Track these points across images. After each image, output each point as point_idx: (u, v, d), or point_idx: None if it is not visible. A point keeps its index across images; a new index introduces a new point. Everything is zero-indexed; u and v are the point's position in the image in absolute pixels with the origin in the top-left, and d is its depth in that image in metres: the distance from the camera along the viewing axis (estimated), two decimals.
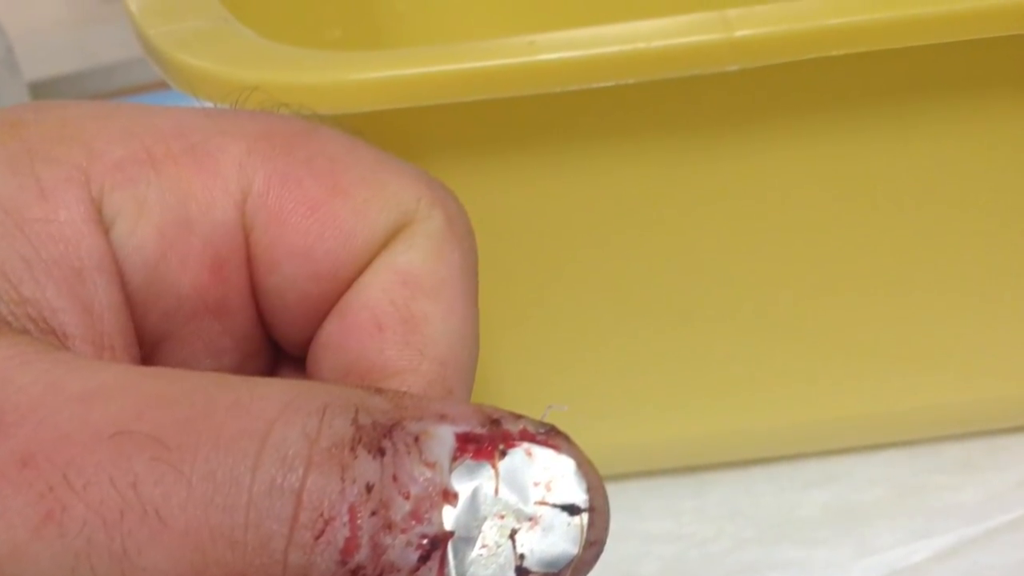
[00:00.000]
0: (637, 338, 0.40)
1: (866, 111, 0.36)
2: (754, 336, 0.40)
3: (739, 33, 0.32)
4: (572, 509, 0.19)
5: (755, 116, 0.36)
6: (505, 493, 0.19)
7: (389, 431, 0.19)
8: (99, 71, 0.74)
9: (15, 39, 0.58)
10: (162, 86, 0.35)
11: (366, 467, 0.19)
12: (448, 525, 0.19)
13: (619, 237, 0.38)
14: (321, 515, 0.18)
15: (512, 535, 0.19)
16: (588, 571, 0.20)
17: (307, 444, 0.18)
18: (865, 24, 0.32)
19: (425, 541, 0.19)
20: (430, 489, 0.19)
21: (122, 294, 0.22)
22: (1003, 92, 0.36)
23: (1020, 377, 0.41)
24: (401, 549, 0.19)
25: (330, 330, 0.24)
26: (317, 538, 0.18)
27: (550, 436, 0.20)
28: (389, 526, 0.18)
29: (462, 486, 0.19)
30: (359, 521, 0.18)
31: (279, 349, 0.26)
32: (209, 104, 0.32)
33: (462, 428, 0.19)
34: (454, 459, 0.19)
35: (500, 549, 0.19)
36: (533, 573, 0.19)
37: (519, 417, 0.20)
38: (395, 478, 0.19)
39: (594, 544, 0.20)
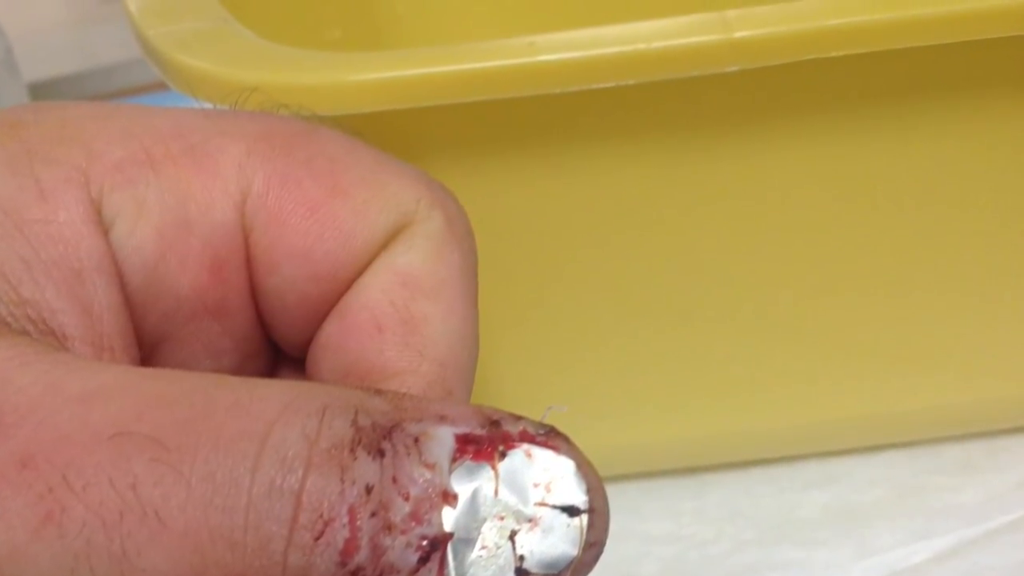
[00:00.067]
0: (637, 339, 0.40)
1: (866, 112, 0.36)
2: (754, 337, 0.40)
3: (739, 34, 0.32)
4: (572, 510, 0.19)
5: (755, 117, 0.36)
6: (505, 494, 0.19)
7: (389, 432, 0.19)
8: (98, 72, 0.74)
9: (14, 40, 0.58)
10: (161, 87, 0.35)
11: (366, 468, 0.19)
12: (448, 526, 0.19)
13: (619, 238, 0.38)
14: (321, 516, 0.18)
15: (512, 536, 0.19)
16: (588, 572, 0.20)
17: (307, 445, 0.18)
18: (864, 25, 0.32)
19: (425, 542, 0.19)
20: (430, 490, 0.19)
21: (121, 295, 0.22)
22: (1003, 93, 0.36)
23: (1020, 378, 0.41)
24: (401, 550, 0.19)
25: (330, 331, 0.24)
26: (317, 539, 0.18)
27: (550, 437, 0.20)
28: (389, 527, 0.18)
29: (462, 487, 0.19)
30: (359, 522, 0.18)
31: (279, 350, 0.26)
32: (208, 105, 0.32)
33: (462, 429, 0.19)
34: (454, 460, 0.19)
35: (500, 550, 0.19)
36: (533, 574, 0.19)
37: (519, 418, 0.20)
38: (395, 479, 0.19)
39: (594, 545, 0.20)
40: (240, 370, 0.25)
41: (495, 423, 0.20)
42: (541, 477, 0.19)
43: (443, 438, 0.19)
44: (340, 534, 0.18)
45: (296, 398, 0.19)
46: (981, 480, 0.42)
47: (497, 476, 0.19)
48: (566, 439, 0.20)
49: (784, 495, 0.42)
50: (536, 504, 0.19)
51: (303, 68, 0.33)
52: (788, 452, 0.43)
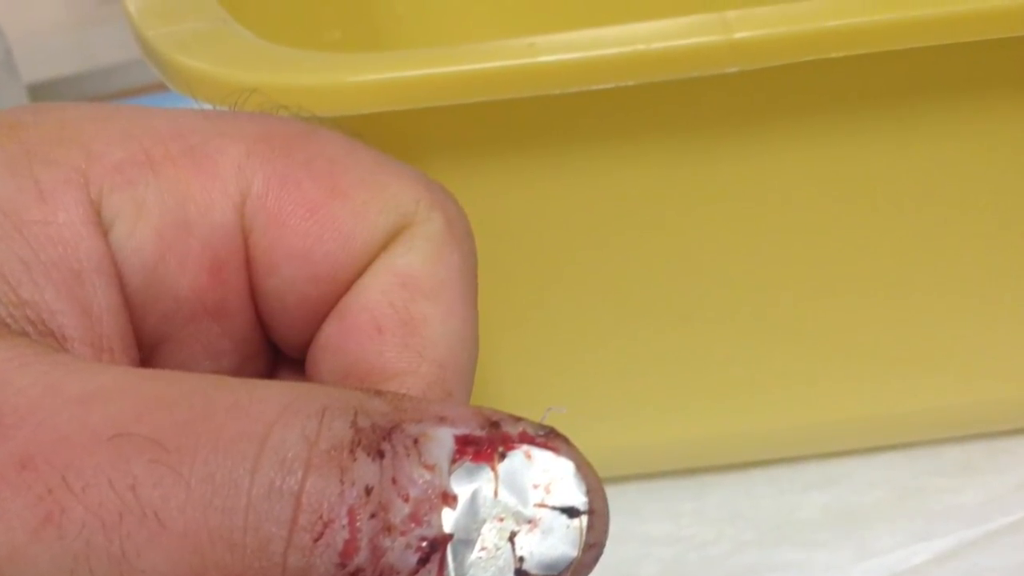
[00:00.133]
0: (637, 340, 0.40)
1: (866, 113, 0.36)
2: (754, 338, 0.40)
3: (739, 35, 0.32)
4: (571, 511, 0.19)
5: (754, 118, 0.36)
6: (504, 495, 0.19)
7: (388, 433, 0.19)
8: (98, 73, 0.74)
9: (14, 41, 0.58)
10: (161, 88, 0.35)
11: (365, 469, 0.18)
12: (447, 527, 0.19)
13: (619, 239, 0.38)
14: (320, 517, 0.18)
15: (511, 537, 0.19)
16: (587, 573, 0.20)
17: (306, 446, 0.18)
18: (864, 26, 0.32)
19: (424, 543, 0.19)
20: (429, 491, 0.19)
21: (121, 296, 0.22)
22: (1003, 94, 0.36)
23: (1020, 379, 0.41)
24: (400, 551, 0.18)
25: (329, 332, 0.24)
26: (316, 540, 0.18)
27: (549, 438, 0.20)
28: (388, 528, 0.18)
29: (461, 488, 0.19)
30: (358, 523, 0.18)
31: (278, 351, 0.26)
32: (208, 106, 0.32)
33: (461, 430, 0.19)
34: (453, 461, 0.19)
35: (499, 551, 0.19)
36: (532, 575, 0.19)
37: (518, 419, 0.20)
38: (394, 480, 0.19)
39: (593, 546, 0.20)
40: (239, 371, 0.25)
41: (495, 424, 0.20)
42: (541, 478, 0.19)
43: (443, 439, 0.19)
44: (340, 535, 0.18)
45: (295, 399, 0.19)
46: (981, 481, 0.42)
47: (497, 477, 0.19)
48: (566, 440, 0.20)
49: (784, 496, 0.42)
50: (536, 505, 0.19)
51: (302, 69, 0.33)
52: (788, 453, 0.43)
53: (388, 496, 0.19)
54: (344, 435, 0.19)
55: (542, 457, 0.19)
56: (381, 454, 0.19)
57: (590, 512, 0.19)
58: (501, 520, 0.19)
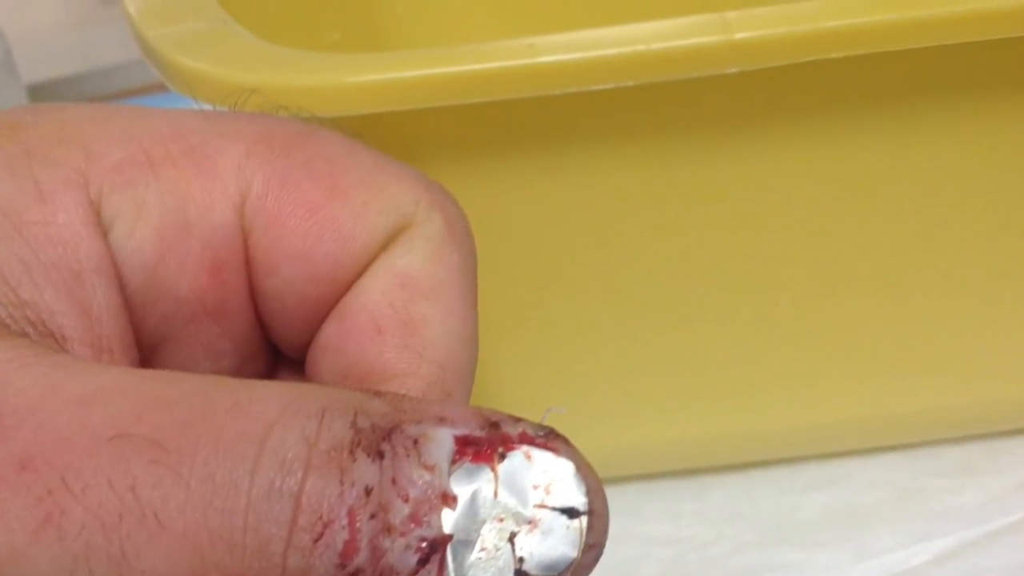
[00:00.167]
0: (636, 340, 0.40)
1: (866, 113, 0.36)
2: (754, 338, 0.40)
3: (739, 35, 0.32)
4: (571, 512, 0.19)
5: (755, 118, 0.36)
6: (504, 496, 0.19)
7: (388, 434, 0.19)
8: (98, 73, 0.74)
9: (14, 41, 0.58)
10: (161, 88, 0.35)
11: (365, 470, 0.18)
12: (447, 528, 0.19)
13: (618, 239, 0.38)
14: (320, 518, 0.18)
15: (511, 538, 0.19)
16: (587, 574, 0.20)
17: (306, 447, 0.18)
18: (864, 26, 0.32)
19: (424, 544, 0.19)
20: (429, 492, 0.19)
21: (121, 296, 0.22)
22: (1003, 94, 0.36)
23: (1020, 379, 0.41)
24: (400, 552, 0.18)
25: (329, 333, 0.24)
26: (316, 541, 0.18)
27: (549, 439, 0.20)
28: (388, 529, 0.18)
29: (461, 489, 0.19)
30: (358, 524, 0.18)
31: (278, 352, 0.26)
32: (208, 106, 0.32)
33: (461, 431, 0.19)
34: (453, 462, 0.19)
35: (499, 552, 0.19)
36: None
37: (518, 420, 0.20)
38: (394, 481, 0.19)
39: (593, 547, 0.20)
40: (239, 372, 0.25)
41: (494, 425, 0.20)
42: (540, 479, 0.19)
43: (442, 440, 0.19)
44: (339, 536, 0.18)
45: (295, 400, 0.19)
46: (981, 482, 0.42)
47: (496, 478, 0.19)
48: (565, 441, 0.20)
49: (784, 497, 0.42)
50: (535, 506, 0.19)
51: (302, 69, 0.33)
52: (788, 454, 0.43)
53: (388, 497, 0.19)
54: (344, 436, 0.19)
55: (542, 458, 0.19)
56: (381, 455, 0.19)
57: (590, 513, 0.19)
58: (501, 521, 0.19)
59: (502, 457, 0.19)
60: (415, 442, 0.19)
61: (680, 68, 0.33)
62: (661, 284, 0.39)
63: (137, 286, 0.23)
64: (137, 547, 0.18)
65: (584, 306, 0.39)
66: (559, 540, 0.19)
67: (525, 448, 0.19)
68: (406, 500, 0.19)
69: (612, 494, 0.20)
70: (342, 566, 0.18)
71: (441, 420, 0.19)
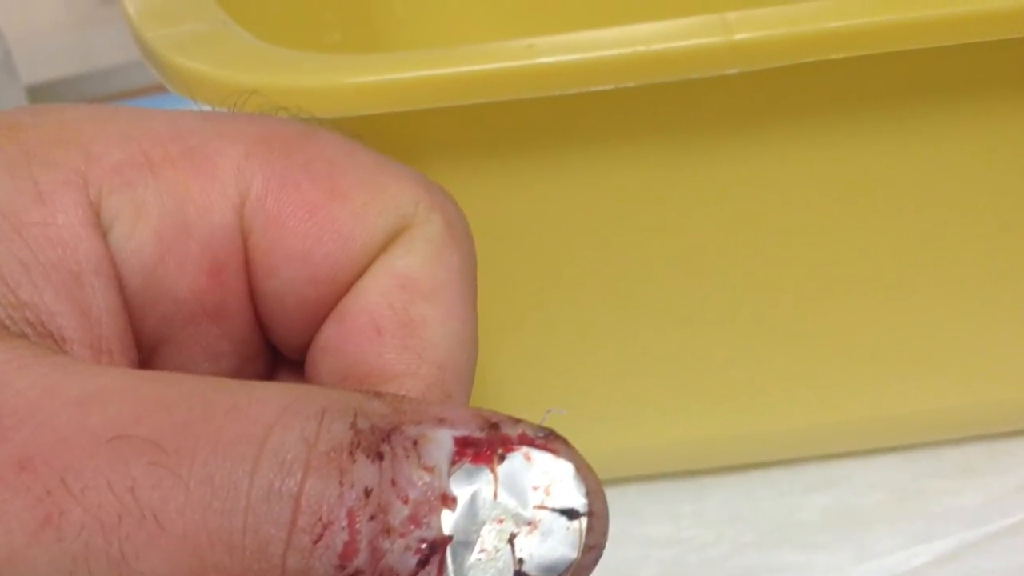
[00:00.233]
0: (636, 342, 0.40)
1: (866, 114, 0.36)
2: (753, 340, 0.40)
3: (738, 36, 0.32)
4: (571, 513, 0.19)
5: (754, 119, 0.36)
6: (504, 497, 0.19)
7: (388, 435, 0.19)
8: (97, 74, 0.74)
9: (13, 42, 0.58)
10: (160, 89, 0.35)
11: (364, 471, 0.18)
12: (447, 529, 0.19)
13: (618, 240, 0.38)
14: (319, 519, 0.18)
15: (511, 539, 0.19)
16: (587, 575, 0.20)
17: (305, 448, 0.18)
18: (864, 27, 0.32)
19: (424, 545, 0.19)
20: (429, 493, 0.19)
21: (120, 298, 0.22)
22: (1003, 95, 0.36)
23: (1020, 381, 0.41)
24: (400, 553, 0.18)
25: (328, 334, 0.24)
26: (315, 542, 0.18)
27: (549, 440, 0.20)
28: (388, 530, 0.18)
29: (461, 490, 0.19)
30: (358, 525, 0.18)
31: (277, 353, 0.26)
32: (207, 107, 0.32)
33: (461, 432, 0.19)
34: (453, 463, 0.19)
35: (499, 553, 0.19)
36: None
37: (518, 421, 0.20)
38: (394, 482, 0.19)
39: (593, 548, 0.20)
40: (239, 373, 0.25)
41: (494, 426, 0.20)
42: (540, 480, 0.19)
43: (442, 441, 0.19)
44: (339, 537, 0.18)
45: (295, 401, 0.19)
46: (981, 483, 0.42)
47: (496, 479, 0.19)
48: (565, 442, 0.20)
49: (784, 498, 0.42)
50: (535, 507, 0.19)
51: (302, 70, 0.33)
52: (788, 455, 0.43)
53: (387, 498, 0.19)
54: (343, 437, 0.19)
55: (541, 459, 0.19)
56: (380, 456, 0.19)
57: (590, 514, 0.19)
58: (500, 522, 0.19)
59: (502, 458, 0.19)
60: (415, 443, 0.19)
61: (680, 69, 0.33)
62: (661, 285, 0.39)
63: (136, 287, 0.23)
64: (136, 548, 0.18)
65: (584, 307, 0.39)
66: (559, 541, 0.19)
67: (525, 449, 0.19)
68: (406, 501, 0.19)
69: (612, 495, 0.20)
70: (341, 567, 0.18)
71: (441, 421, 0.19)
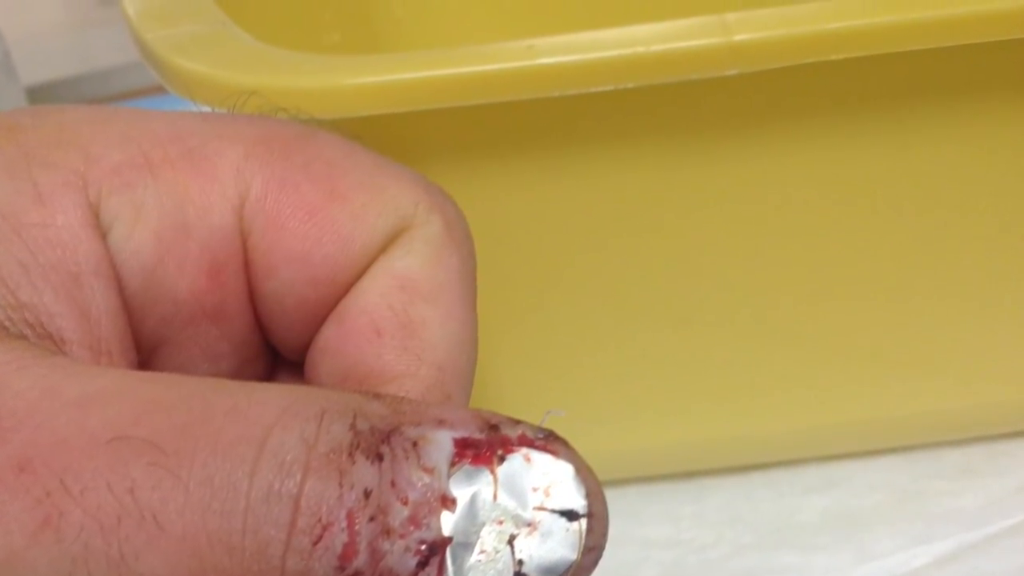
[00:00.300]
0: (636, 343, 0.40)
1: (866, 115, 0.36)
2: (753, 341, 0.40)
3: (738, 37, 0.32)
4: (571, 515, 0.19)
5: (754, 120, 0.36)
6: (504, 498, 0.19)
7: (387, 436, 0.19)
8: (96, 75, 0.74)
9: (12, 43, 0.58)
10: (159, 90, 0.35)
11: (364, 472, 0.18)
12: (446, 531, 0.19)
13: (618, 241, 0.38)
14: (319, 521, 0.18)
15: (511, 541, 0.19)
16: None
17: (305, 449, 0.18)
18: (864, 28, 0.32)
19: (423, 547, 0.19)
20: (428, 495, 0.19)
21: (119, 299, 0.22)
22: (1003, 96, 0.36)
23: (1020, 382, 0.41)
24: (399, 555, 0.18)
25: (328, 335, 0.24)
26: (315, 544, 0.18)
27: (549, 441, 0.20)
28: (387, 532, 0.18)
29: (460, 491, 0.19)
30: (357, 527, 0.18)
31: (277, 354, 0.26)
32: (206, 108, 0.32)
33: (460, 433, 0.19)
34: (452, 464, 0.19)
35: (499, 555, 0.19)
36: None
37: (518, 422, 0.20)
38: (393, 484, 0.19)
39: (593, 550, 0.20)
40: (238, 374, 0.25)
41: (494, 427, 0.20)
42: (540, 481, 0.19)
43: (442, 442, 0.19)
44: (338, 538, 0.18)
45: (294, 402, 0.19)
46: (981, 484, 0.42)
47: (496, 480, 0.19)
48: (565, 443, 0.20)
49: (784, 500, 0.42)
50: (535, 508, 0.19)
51: (301, 71, 0.33)
52: (788, 456, 0.43)
53: (387, 499, 0.18)
54: (343, 438, 0.19)
55: (541, 460, 0.19)
56: (380, 457, 0.19)
57: (589, 515, 0.19)
58: (500, 523, 0.19)
59: (501, 459, 0.19)
60: (414, 444, 0.19)
61: (680, 70, 0.33)
62: (660, 286, 0.39)
63: (136, 288, 0.23)
64: (136, 549, 0.18)
65: (584, 308, 0.39)
66: (558, 543, 0.19)
67: (524, 450, 0.19)
68: (405, 502, 0.19)
69: (611, 496, 0.20)
70: (341, 568, 0.18)
71: (440, 422, 0.19)
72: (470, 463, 0.19)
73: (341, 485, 0.18)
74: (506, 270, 0.37)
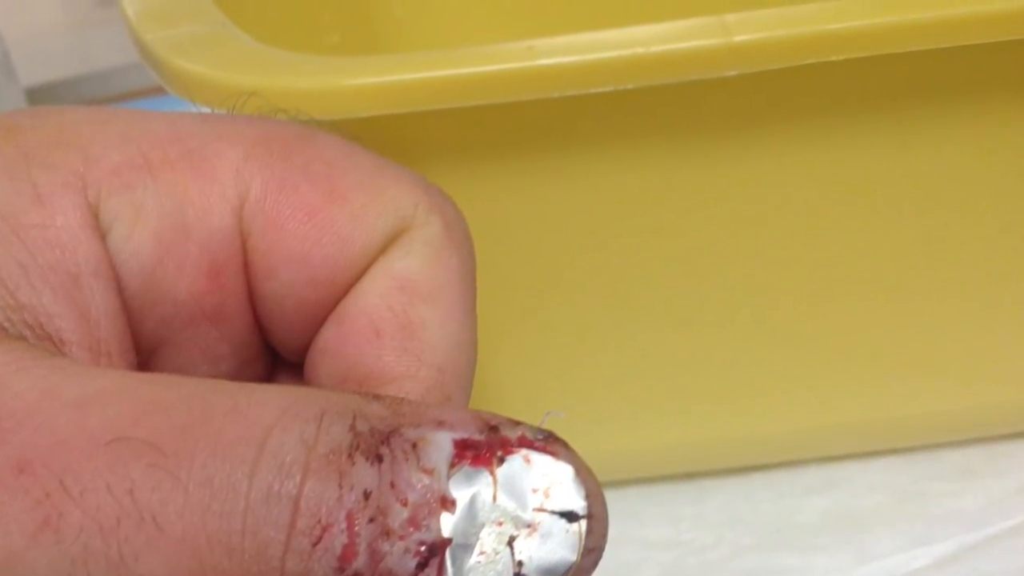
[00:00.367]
0: (636, 344, 0.40)
1: (865, 116, 0.36)
2: (753, 342, 0.40)
3: (738, 38, 0.32)
4: (570, 516, 0.19)
5: (754, 121, 0.36)
6: (503, 500, 0.19)
7: (387, 437, 0.19)
8: (96, 76, 0.74)
9: (12, 44, 0.58)
10: (159, 91, 0.35)
11: (364, 474, 0.18)
12: (446, 532, 0.19)
13: (618, 242, 0.38)
14: (319, 522, 0.18)
15: (510, 542, 0.19)
16: None
17: (304, 450, 0.18)
18: (864, 29, 0.32)
19: (423, 548, 0.19)
20: (428, 496, 0.19)
21: (119, 300, 0.22)
22: (1003, 96, 0.36)
23: (1020, 383, 0.41)
24: (399, 556, 0.18)
25: (328, 336, 0.24)
26: (315, 545, 0.18)
27: (548, 442, 0.20)
28: (387, 533, 0.18)
29: (460, 493, 0.19)
30: (357, 528, 0.18)
31: (276, 355, 0.26)
32: (206, 109, 0.32)
33: (460, 434, 0.19)
34: (452, 465, 0.19)
35: (498, 556, 0.19)
36: None
37: (517, 423, 0.20)
38: (393, 485, 0.19)
39: (592, 551, 0.20)
40: (238, 375, 0.25)
41: (493, 428, 0.20)
42: (540, 482, 0.19)
43: (441, 443, 0.19)
44: (338, 540, 0.18)
45: (294, 403, 0.19)
46: (981, 485, 0.42)
47: (495, 481, 0.19)
48: (565, 444, 0.20)
49: (783, 500, 0.42)
50: (535, 509, 0.19)
51: (301, 72, 0.33)
52: (787, 457, 0.43)
53: (387, 500, 0.18)
54: (342, 439, 0.19)
55: (541, 461, 0.19)
56: (379, 458, 0.19)
57: (589, 516, 0.19)
58: (500, 524, 0.19)
59: (501, 461, 0.19)
60: (414, 446, 0.19)
61: (679, 71, 0.33)
62: (660, 287, 0.39)
63: (135, 289, 0.23)
64: (135, 550, 0.18)
65: (583, 309, 0.39)
66: (558, 544, 0.19)
67: (524, 452, 0.19)
68: (405, 504, 0.19)
69: (611, 498, 0.20)
70: (341, 570, 0.18)
71: (440, 424, 0.19)
72: (470, 464, 0.19)
73: (341, 486, 0.18)
74: (506, 270, 0.37)
